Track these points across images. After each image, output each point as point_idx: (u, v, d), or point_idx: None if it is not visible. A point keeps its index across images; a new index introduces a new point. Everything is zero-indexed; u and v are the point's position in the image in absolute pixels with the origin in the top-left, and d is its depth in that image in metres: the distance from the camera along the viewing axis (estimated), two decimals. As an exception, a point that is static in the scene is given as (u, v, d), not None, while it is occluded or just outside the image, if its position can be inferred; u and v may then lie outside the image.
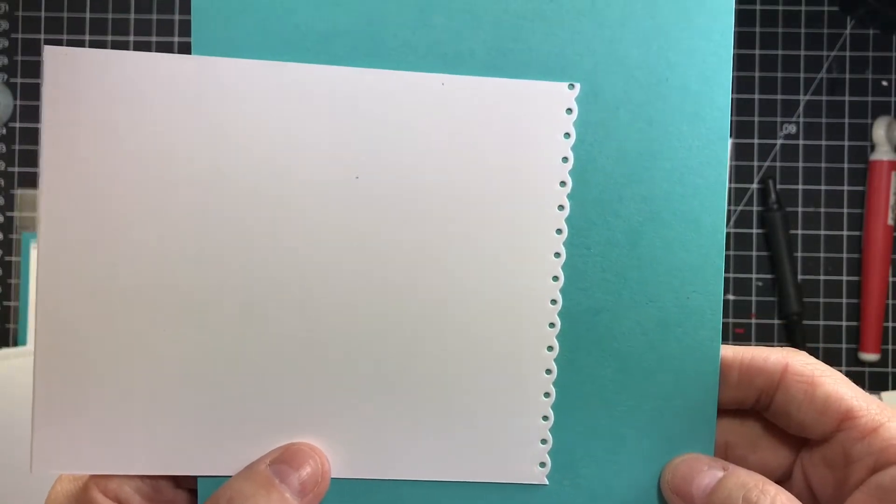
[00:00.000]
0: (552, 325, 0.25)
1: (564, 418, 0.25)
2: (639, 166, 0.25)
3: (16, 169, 0.55)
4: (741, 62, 0.55)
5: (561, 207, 0.25)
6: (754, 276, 0.55)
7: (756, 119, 0.55)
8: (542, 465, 0.25)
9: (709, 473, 0.24)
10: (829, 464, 0.24)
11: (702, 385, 0.25)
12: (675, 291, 0.25)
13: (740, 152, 0.55)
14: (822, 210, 0.55)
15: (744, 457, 0.25)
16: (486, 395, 0.25)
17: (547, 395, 0.25)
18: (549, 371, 0.25)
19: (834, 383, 0.23)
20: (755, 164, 0.55)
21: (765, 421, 0.25)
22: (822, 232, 0.55)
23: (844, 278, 0.55)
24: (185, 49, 0.54)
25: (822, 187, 0.55)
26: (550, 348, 0.25)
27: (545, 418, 0.25)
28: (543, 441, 0.25)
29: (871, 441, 0.22)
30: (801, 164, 0.55)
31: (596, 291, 0.25)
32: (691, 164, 0.25)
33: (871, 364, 0.54)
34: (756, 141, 0.55)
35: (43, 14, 0.55)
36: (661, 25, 0.25)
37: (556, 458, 0.25)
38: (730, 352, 0.25)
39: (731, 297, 0.54)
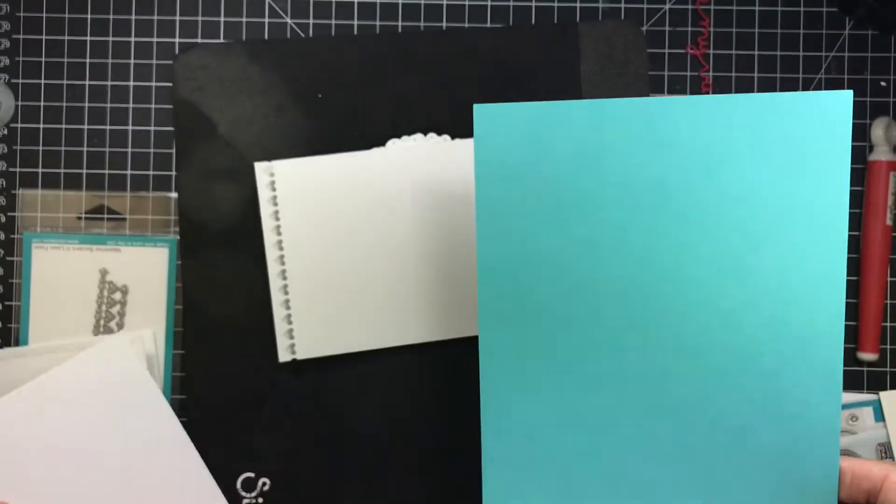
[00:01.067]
0: None
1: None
2: None
3: (17, 169, 0.55)
4: (740, 63, 0.55)
5: None
6: (753, 276, 0.55)
7: (755, 119, 0.55)
8: None
9: None
10: None
11: (825, 484, 0.37)
12: (807, 423, 0.37)
13: (739, 153, 0.55)
14: (821, 210, 0.55)
15: None
16: None
17: None
18: None
19: None
20: (754, 164, 0.55)
21: None
22: (821, 232, 0.55)
23: (843, 278, 0.55)
24: (185, 49, 0.54)
25: (821, 188, 0.55)
26: None
27: None
28: None
29: None
30: (799, 165, 0.55)
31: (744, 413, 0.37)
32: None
33: (870, 364, 0.54)
34: (755, 141, 0.55)
35: (44, 15, 0.55)
36: None
37: None
38: (845, 462, 0.35)
39: (729, 297, 0.55)
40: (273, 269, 0.52)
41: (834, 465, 0.36)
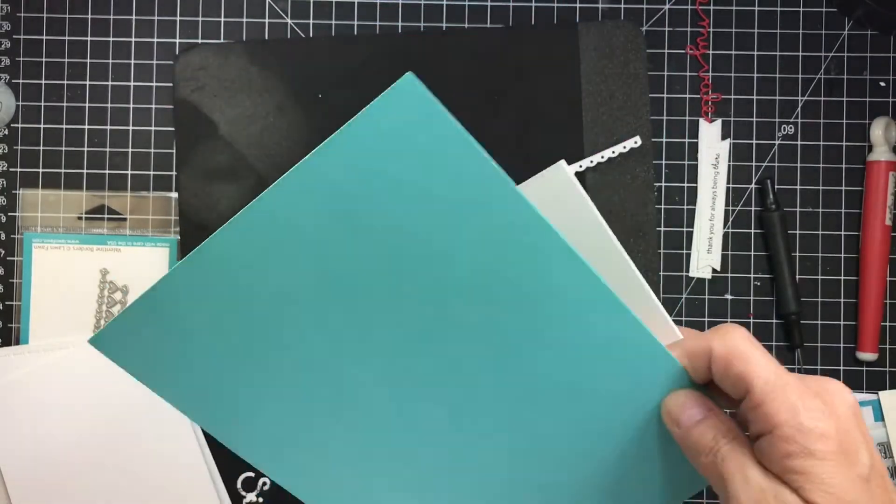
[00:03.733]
0: None
1: None
2: None
3: (18, 169, 0.55)
4: (739, 63, 0.55)
5: None
6: (752, 275, 0.55)
7: (754, 120, 0.55)
8: None
9: (698, 408, 0.31)
10: (744, 417, 0.30)
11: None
12: None
13: (738, 153, 0.55)
14: (820, 210, 0.55)
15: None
16: None
17: None
18: None
19: (745, 365, 0.29)
20: (753, 164, 0.55)
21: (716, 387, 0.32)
22: (820, 232, 0.55)
23: (842, 278, 0.55)
24: (185, 49, 0.54)
25: (820, 187, 0.55)
26: None
27: None
28: None
29: (757, 413, 0.29)
30: (798, 165, 0.55)
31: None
32: None
33: (869, 364, 0.54)
34: (754, 141, 0.55)
35: (45, 15, 0.55)
36: None
37: None
38: (676, 350, 0.32)
39: (729, 296, 0.55)
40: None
41: (670, 359, 0.32)
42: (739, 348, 0.29)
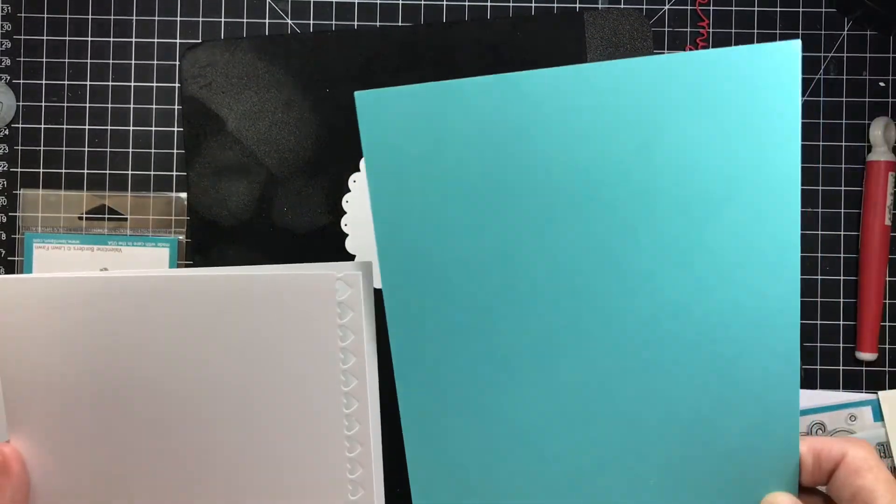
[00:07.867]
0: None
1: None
2: None
3: (18, 169, 0.55)
4: (739, 63, 0.55)
5: None
6: (752, 275, 0.55)
7: (754, 120, 0.55)
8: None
9: None
10: None
11: (785, 469, 0.33)
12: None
13: (738, 153, 0.55)
14: (820, 210, 0.55)
15: None
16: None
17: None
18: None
19: (874, 481, 0.30)
20: (753, 164, 0.55)
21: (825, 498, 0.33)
22: (820, 232, 0.55)
23: (842, 278, 0.55)
24: (193, 46, 0.55)
25: (820, 188, 0.55)
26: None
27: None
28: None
29: None
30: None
31: (698, 406, 0.34)
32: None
33: (868, 363, 0.54)
34: (754, 142, 0.55)
35: (45, 16, 0.55)
36: None
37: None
38: (804, 445, 0.33)
39: (728, 296, 0.55)
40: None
41: (794, 449, 0.33)
42: (872, 464, 0.31)
